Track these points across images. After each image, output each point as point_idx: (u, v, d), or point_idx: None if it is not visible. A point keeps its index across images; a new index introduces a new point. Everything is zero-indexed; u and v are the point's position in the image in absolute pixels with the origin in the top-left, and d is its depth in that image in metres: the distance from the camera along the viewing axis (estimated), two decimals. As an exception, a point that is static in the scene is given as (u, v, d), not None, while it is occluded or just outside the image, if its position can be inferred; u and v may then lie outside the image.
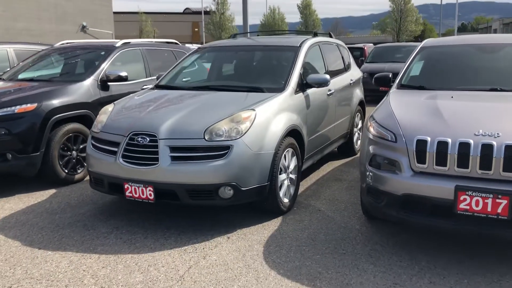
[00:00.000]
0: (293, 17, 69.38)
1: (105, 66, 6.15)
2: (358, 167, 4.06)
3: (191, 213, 4.44)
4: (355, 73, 6.95)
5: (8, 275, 3.33)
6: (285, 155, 4.40)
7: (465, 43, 4.92)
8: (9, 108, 5.05)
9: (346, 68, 6.65)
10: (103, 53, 6.39)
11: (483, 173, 3.14)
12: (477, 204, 3.10)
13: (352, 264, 3.44)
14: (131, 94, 5.15)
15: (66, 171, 5.48)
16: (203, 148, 3.88)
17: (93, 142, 4.35)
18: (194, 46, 9.17)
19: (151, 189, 3.91)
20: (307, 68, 5.28)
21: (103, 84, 6.03)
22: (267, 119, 4.20)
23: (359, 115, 6.93)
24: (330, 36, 6.74)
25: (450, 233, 3.78)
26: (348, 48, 19.19)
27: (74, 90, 5.65)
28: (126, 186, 4.00)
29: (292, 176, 4.60)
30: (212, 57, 5.81)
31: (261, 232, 4.03)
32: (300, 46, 5.31)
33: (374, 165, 3.63)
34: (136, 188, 3.96)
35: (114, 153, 4.08)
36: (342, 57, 6.64)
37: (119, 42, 6.69)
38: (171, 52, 7.47)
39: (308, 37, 5.79)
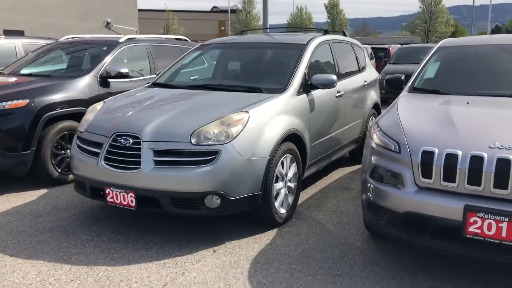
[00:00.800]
0: (321, 16, 68.61)
1: (105, 62, 5.90)
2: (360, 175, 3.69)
3: (181, 221, 4.12)
4: (371, 74, 6.52)
5: (-31, 285, 3.09)
6: (282, 162, 4.05)
7: (486, 43, 4.46)
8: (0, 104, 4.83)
9: (360, 69, 6.23)
10: (105, 48, 6.15)
11: (498, 192, 2.72)
12: (489, 228, 2.69)
13: (346, 288, 3.06)
14: (125, 92, 4.87)
15: (60, 170, 5.25)
16: (189, 153, 3.55)
17: (78, 143, 4.08)
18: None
19: (133, 195, 3.61)
20: (314, 68, 4.90)
21: (103, 80, 5.78)
22: (262, 122, 3.85)
23: (374, 118, 6.50)
24: (344, 35, 6.33)
25: (458, 257, 3.35)
26: (373, 48, 18.64)
27: (70, 86, 5.41)
28: (107, 191, 3.72)
29: (291, 184, 4.23)
30: (214, 54, 5.49)
31: (251, 246, 3.69)
32: (307, 44, 4.93)
33: (375, 178, 3.24)
34: (118, 193, 3.67)
35: (97, 155, 3.80)
36: (356, 57, 6.22)
37: (123, 38, 6.43)
38: (179, 49, 7.18)
39: (317, 35, 5.41)
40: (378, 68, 17.69)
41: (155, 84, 4.99)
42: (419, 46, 15.50)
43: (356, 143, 6.04)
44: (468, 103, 3.54)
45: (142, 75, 6.38)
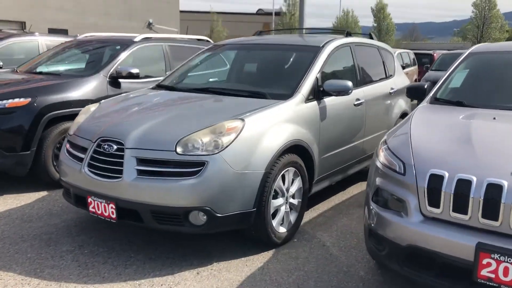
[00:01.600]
0: (368, 20, 67.23)
1: (117, 61, 5.68)
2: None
3: (174, 235, 3.79)
4: (400, 80, 6.00)
5: None
6: (283, 176, 3.66)
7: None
8: (0, 102, 4.68)
9: (388, 75, 5.73)
10: (118, 47, 5.94)
11: (519, 230, 2.24)
12: (505, 273, 2.21)
13: (335, 329, 2.64)
14: (124, 94, 4.61)
15: (62, 172, 5.05)
16: (173, 163, 3.22)
17: (67, 147, 3.84)
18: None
19: (113, 207, 3.31)
20: (329, 73, 4.48)
21: (114, 80, 5.57)
22: (260, 131, 3.47)
23: (401, 129, 5.97)
24: (371, 38, 5.85)
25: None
26: (417, 54, 17.81)
27: (77, 86, 5.22)
28: (89, 200, 3.44)
29: (294, 201, 3.83)
30: (224, 56, 5.15)
31: (240, 269, 3.32)
32: (322, 46, 4.51)
33: (378, 202, 2.80)
34: (99, 203, 3.39)
35: (82, 160, 3.54)
36: (383, 62, 5.73)
37: (138, 37, 6.21)
38: (198, 49, 6.88)
39: (338, 37, 4.97)
40: (420, 74, 16.93)
41: (159, 86, 4.71)
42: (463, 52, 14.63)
43: (379, 155, 5.54)
44: (495, 118, 3.03)
45: (155, 76, 6.11)
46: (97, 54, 6.09)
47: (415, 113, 3.33)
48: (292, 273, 3.28)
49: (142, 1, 25.96)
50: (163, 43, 6.44)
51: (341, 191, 5.22)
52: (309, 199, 4.48)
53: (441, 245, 2.40)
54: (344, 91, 4.16)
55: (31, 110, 4.76)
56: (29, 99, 4.77)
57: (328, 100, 4.27)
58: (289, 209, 3.79)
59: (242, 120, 3.42)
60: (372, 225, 2.80)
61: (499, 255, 2.22)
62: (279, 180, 3.59)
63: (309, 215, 4.43)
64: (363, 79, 5.05)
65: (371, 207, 2.83)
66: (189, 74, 4.87)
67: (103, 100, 4.35)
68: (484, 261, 2.25)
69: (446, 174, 2.44)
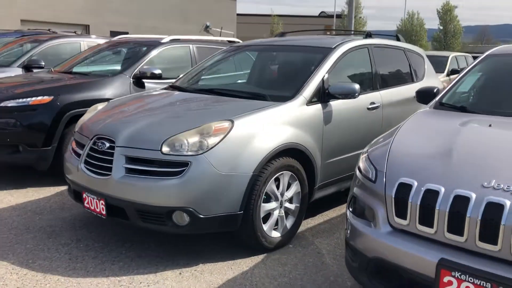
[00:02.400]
0: (434, 23, 64.66)
1: (142, 62, 5.83)
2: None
3: (171, 236, 3.80)
4: (430, 85, 5.69)
5: None
6: (278, 179, 3.58)
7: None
8: (24, 99, 4.94)
9: (415, 79, 5.46)
10: (145, 49, 6.09)
11: (484, 247, 2.04)
12: (467, 293, 2.02)
13: None
14: (134, 94, 4.71)
15: (82, 168, 5.24)
16: (158, 162, 3.25)
17: (72, 144, 3.97)
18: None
19: (103, 203, 3.39)
20: (340, 75, 4.33)
21: (137, 81, 5.71)
22: (251, 133, 3.42)
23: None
24: (398, 39, 5.61)
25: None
26: (475, 58, 16.95)
27: (100, 86, 5.41)
28: (84, 195, 3.55)
29: (291, 206, 3.74)
30: (238, 57, 5.12)
31: (224, 272, 3.28)
32: (334, 48, 4.38)
33: (354, 211, 2.67)
34: (92, 199, 3.48)
35: (80, 156, 3.66)
36: (410, 65, 5.46)
37: (166, 38, 6.33)
38: (227, 51, 6.92)
39: (355, 38, 4.81)
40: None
41: (171, 87, 4.77)
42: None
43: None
44: (490, 125, 2.79)
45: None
46: (125, 55, 6.28)
47: (410, 118, 3.14)
48: (276, 279, 3.20)
49: (200, 5, 26.54)
50: (190, 44, 6.53)
51: (357, 198, 5.03)
52: (317, 205, 4.37)
53: (406, 259, 2.24)
54: (351, 94, 4.01)
55: (53, 107, 4.98)
56: (51, 97, 5.00)
57: (336, 104, 4.13)
58: (283, 214, 3.69)
59: (231, 121, 3.38)
60: (347, 235, 2.67)
61: (460, 273, 2.03)
62: (271, 183, 3.51)
63: (314, 221, 4.31)
64: (381, 83, 4.84)
65: (347, 216, 2.70)
66: (200, 75, 4.89)
67: (112, 100, 4.47)
68: (445, 279, 2.07)
69: (415, 184, 2.27)
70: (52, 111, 4.97)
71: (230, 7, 28.50)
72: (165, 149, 3.23)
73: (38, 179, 5.32)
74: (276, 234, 3.65)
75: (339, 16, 53.53)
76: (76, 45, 8.03)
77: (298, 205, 3.81)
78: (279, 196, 3.62)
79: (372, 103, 4.56)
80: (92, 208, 3.50)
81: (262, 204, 3.47)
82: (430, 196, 2.19)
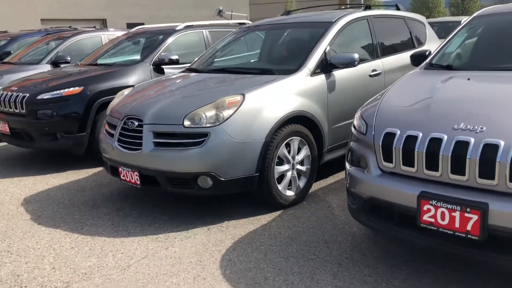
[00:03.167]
0: (451, -12, 63.10)
1: (159, 49, 6.29)
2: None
3: (201, 200, 4.30)
4: (433, 49, 5.99)
5: (-7, 247, 3.64)
6: (289, 144, 4.02)
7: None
8: (58, 91, 5.47)
9: (415, 45, 5.78)
10: (161, 37, 6.55)
11: (455, 178, 2.45)
12: (442, 217, 2.44)
13: (310, 272, 3.00)
14: (156, 78, 5.18)
15: (114, 151, 5.77)
16: (181, 135, 3.73)
17: (105, 126, 4.48)
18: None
19: (137, 174, 3.89)
20: (342, 46, 4.70)
21: (157, 67, 6.17)
22: (261, 104, 3.86)
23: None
24: (398, 9, 5.92)
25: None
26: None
27: (123, 74, 5.89)
28: (120, 169, 4.05)
29: (302, 167, 4.18)
30: (247, 37, 5.53)
31: (245, 226, 3.76)
32: (334, 21, 4.75)
33: (350, 162, 3.10)
34: (127, 172, 3.98)
35: (113, 136, 4.16)
36: (411, 33, 5.78)
37: (180, 25, 6.77)
38: (239, 33, 7.32)
39: (355, 11, 5.16)
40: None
41: (188, 69, 5.22)
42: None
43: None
44: (469, 79, 3.16)
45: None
46: (143, 44, 6.76)
47: (402, 78, 3.53)
48: (290, 229, 3.67)
49: (211, -10, 26.82)
50: (203, 29, 6.95)
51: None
52: (328, 168, 4.79)
53: (394, 195, 2.66)
54: (351, 63, 4.39)
55: (83, 97, 5.50)
56: (82, 87, 5.51)
57: (338, 73, 4.52)
58: (296, 175, 4.13)
59: (243, 95, 3.82)
60: (347, 183, 3.10)
61: (436, 201, 2.45)
62: (282, 148, 3.95)
63: (326, 182, 4.75)
64: (382, 51, 5.19)
65: (346, 168, 3.13)
66: (214, 57, 5.33)
67: (136, 85, 4.96)
68: (425, 208, 2.49)
69: (398, 132, 2.68)
70: (83, 100, 5.49)
71: (241, -11, 28.65)
72: (186, 123, 3.70)
73: (75, 162, 5.88)
74: (290, 193, 4.10)
75: (352, -11, 52.91)
76: (97, 39, 8.54)
77: (309, 166, 4.24)
78: (290, 159, 4.06)
79: (374, 70, 4.93)
80: (128, 180, 4.01)
81: (276, 167, 3.92)
82: (410, 141, 2.60)
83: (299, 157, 4.14)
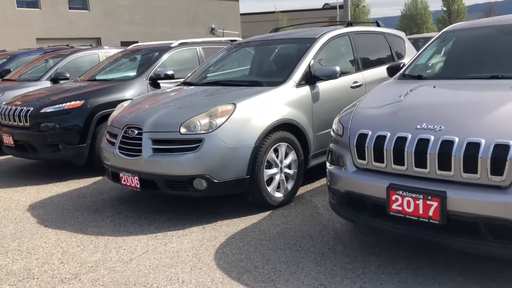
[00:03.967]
0: (439, 5, 64.60)
1: (155, 65, 6.66)
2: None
3: (196, 203, 4.63)
4: (411, 63, 6.43)
5: (4, 246, 3.94)
6: (277, 149, 4.37)
7: (488, 25, 4.28)
8: (60, 105, 5.82)
9: (395, 58, 6.20)
10: (157, 53, 6.93)
11: (418, 171, 2.81)
12: (408, 205, 2.80)
13: (295, 261, 3.33)
14: (152, 92, 5.54)
15: (113, 161, 6.10)
16: (178, 141, 4.08)
17: (106, 136, 4.82)
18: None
19: (137, 178, 4.22)
20: (325, 60, 5.10)
21: (153, 82, 6.54)
22: (251, 113, 4.22)
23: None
24: (378, 25, 6.36)
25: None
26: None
27: (122, 89, 6.25)
28: (121, 175, 4.39)
29: (290, 171, 4.53)
30: (237, 53, 5.93)
31: (238, 225, 4.09)
32: (318, 37, 5.16)
33: (330, 161, 3.46)
34: (127, 177, 4.32)
35: (114, 145, 4.50)
36: (390, 48, 6.21)
37: (175, 43, 7.17)
38: (230, 49, 7.72)
39: (337, 27, 5.58)
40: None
41: (183, 83, 5.60)
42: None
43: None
44: (434, 87, 3.55)
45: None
46: (140, 61, 7.14)
47: (375, 88, 3.91)
48: (279, 226, 4.00)
49: (205, 9, 27.46)
50: (197, 46, 7.36)
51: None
52: (315, 173, 5.14)
53: (367, 188, 3.02)
54: (333, 75, 4.79)
55: (84, 110, 5.85)
56: (83, 101, 5.87)
57: (322, 84, 4.91)
58: (284, 178, 4.48)
59: (234, 104, 4.19)
60: (328, 181, 3.45)
61: (402, 191, 2.80)
62: (271, 152, 4.31)
63: (312, 185, 5.10)
64: (364, 64, 5.60)
65: (327, 167, 3.48)
66: (206, 71, 5.72)
67: (135, 98, 5.32)
68: (393, 197, 2.84)
69: (370, 133, 3.05)
70: (84, 113, 5.84)
71: (233, 8, 29.35)
72: (182, 130, 4.06)
73: (76, 172, 6.20)
74: (279, 195, 4.44)
75: (342, 7, 54.05)
76: (95, 56, 8.92)
77: (296, 170, 4.60)
78: (278, 163, 4.41)
79: (355, 82, 5.33)
80: (128, 184, 4.34)
81: (265, 170, 4.27)
82: (380, 140, 2.97)
83: (286, 161, 4.50)
